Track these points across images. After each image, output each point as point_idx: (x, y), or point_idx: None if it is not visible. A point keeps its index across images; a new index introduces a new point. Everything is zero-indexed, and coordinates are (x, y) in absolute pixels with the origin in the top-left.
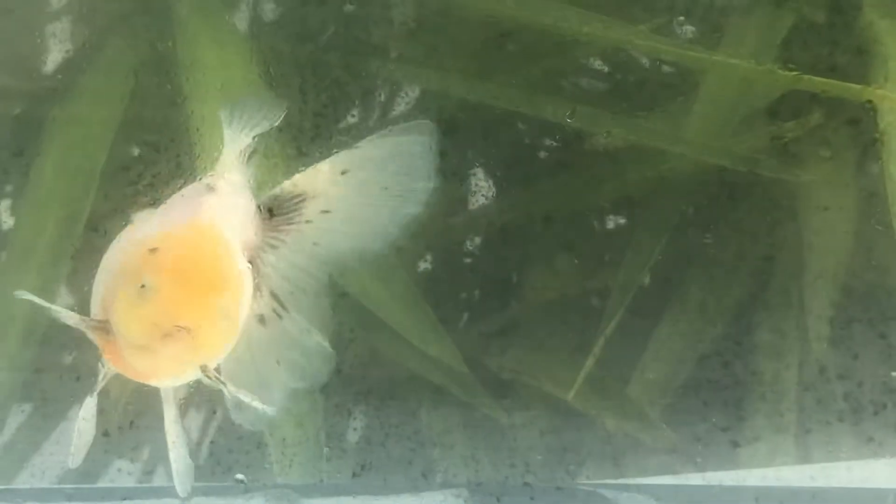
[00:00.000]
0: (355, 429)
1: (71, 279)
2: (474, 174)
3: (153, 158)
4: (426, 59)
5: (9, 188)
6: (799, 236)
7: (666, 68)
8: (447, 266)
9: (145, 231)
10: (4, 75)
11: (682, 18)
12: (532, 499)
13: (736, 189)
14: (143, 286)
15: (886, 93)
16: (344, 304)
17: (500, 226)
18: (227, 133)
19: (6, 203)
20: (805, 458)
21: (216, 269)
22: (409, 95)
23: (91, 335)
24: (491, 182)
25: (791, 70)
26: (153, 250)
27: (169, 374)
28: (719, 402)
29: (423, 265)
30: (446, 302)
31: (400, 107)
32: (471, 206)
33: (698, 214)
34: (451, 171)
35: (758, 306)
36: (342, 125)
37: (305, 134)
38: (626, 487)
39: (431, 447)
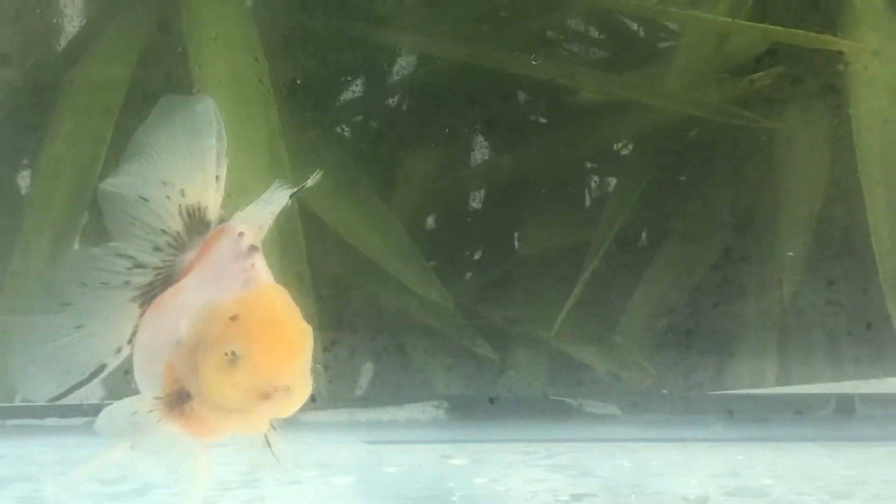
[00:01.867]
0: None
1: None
2: (466, 135)
3: None
4: (422, 26)
5: (25, 161)
6: (775, 183)
7: (647, 27)
8: (444, 222)
9: (203, 300)
10: (20, 48)
11: None
12: (494, 404)
13: (715, 141)
14: (232, 353)
15: (854, 43)
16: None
17: (493, 183)
18: (268, 193)
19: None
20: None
21: (296, 326)
22: (407, 60)
23: (165, 411)
24: (483, 141)
25: (764, 24)
26: (234, 318)
27: (258, 430)
28: (702, 343)
29: (420, 222)
30: (441, 256)
31: (401, 73)
32: (464, 165)
33: (679, 167)
34: (445, 132)
35: (737, 251)
36: (346, 95)
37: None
38: (591, 395)
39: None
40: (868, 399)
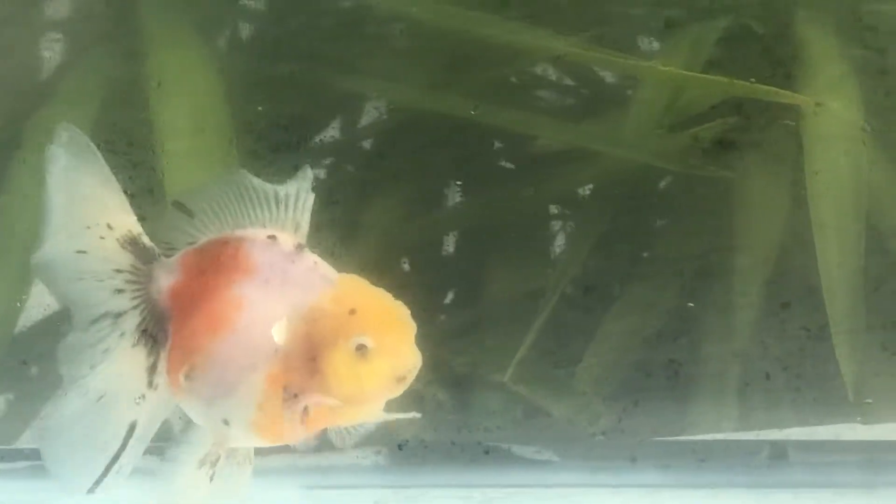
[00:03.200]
0: None
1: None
2: (428, 181)
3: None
4: (388, 74)
5: None
6: (731, 234)
7: (606, 76)
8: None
9: (286, 305)
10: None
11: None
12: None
13: (672, 190)
14: (362, 346)
15: (797, 95)
16: None
17: (455, 229)
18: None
19: None
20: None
21: (401, 307)
22: (375, 108)
23: (294, 416)
24: (444, 188)
25: (721, 76)
26: (353, 312)
27: (377, 417)
28: (659, 389)
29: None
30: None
31: (366, 118)
32: (426, 212)
33: (637, 215)
34: (407, 179)
35: (695, 302)
36: (312, 142)
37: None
38: (532, 441)
39: None
40: (801, 446)
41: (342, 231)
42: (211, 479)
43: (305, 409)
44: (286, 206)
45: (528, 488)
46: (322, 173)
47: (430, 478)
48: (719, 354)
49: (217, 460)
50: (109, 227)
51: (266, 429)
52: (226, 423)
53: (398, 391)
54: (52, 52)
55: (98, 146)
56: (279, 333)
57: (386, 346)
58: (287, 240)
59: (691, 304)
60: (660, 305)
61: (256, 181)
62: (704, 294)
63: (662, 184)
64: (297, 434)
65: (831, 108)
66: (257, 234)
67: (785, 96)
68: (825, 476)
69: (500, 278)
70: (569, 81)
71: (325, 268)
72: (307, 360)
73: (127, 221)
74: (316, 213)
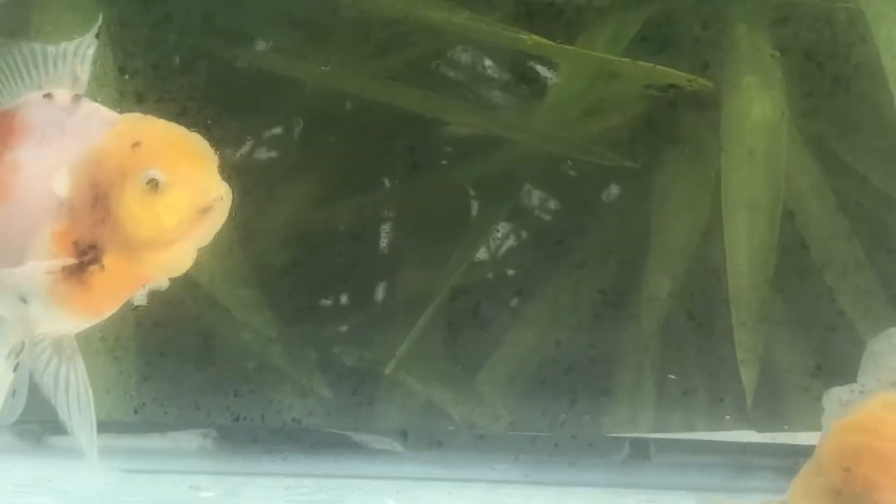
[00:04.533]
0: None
1: None
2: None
3: None
4: (296, 52)
5: None
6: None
7: (527, 61)
8: (306, 261)
9: (66, 157)
10: None
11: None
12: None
13: (586, 180)
14: (152, 179)
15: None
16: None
17: (355, 220)
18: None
19: None
20: None
21: (193, 136)
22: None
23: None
24: (349, 173)
25: (639, 63)
26: (136, 144)
27: (187, 264)
28: (566, 390)
29: (278, 259)
30: (301, 296)
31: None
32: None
33: (548, 206)
34: (312, 162)
35: (607, 299)
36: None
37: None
38: (376, 430)
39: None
40: (664, 445)
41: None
42: (14, 369)
43: (103, 266)
44: (63, 61)
45: (365, 479)
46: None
47: (256, 465)
48: (623, 356)
49: (21, 350)
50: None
51: (68, 298)
52: (23, 300)
53: (205, 226)
54: None
55: None
56: (60, 184)
57: (181, 177)
58: (64, 95)
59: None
60: (567, 309)
61: (36, 46)
62: (613, 296)
63: (574, 173)
64: (107, 300)
65: (751, 94)
66: (32, 97)
67: (702, 83)
68: (688, 478)
69: (403, 274)
70: (477, 65)
71: (105, 112)
72: (95, 207)
73: None
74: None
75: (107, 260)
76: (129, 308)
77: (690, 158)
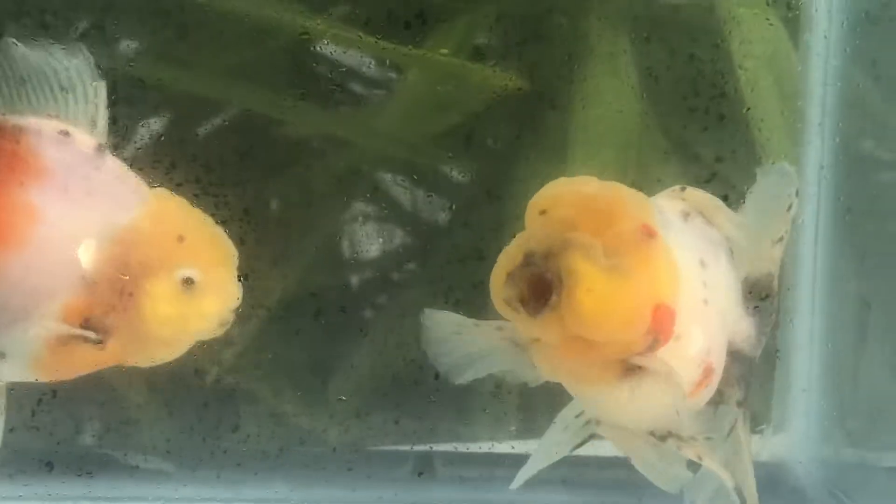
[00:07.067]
0: None
1: None
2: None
3: None
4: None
5: None
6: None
7: (372, 63)
8: None
9: (94, 223)
10: None
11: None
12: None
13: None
14: (188, 279)
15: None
16: None
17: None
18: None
19: None
20: None
21: (225, 238)
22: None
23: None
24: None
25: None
26: (181, 239)
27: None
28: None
29: None
30: None
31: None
32: None
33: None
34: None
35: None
36: None
37: None
38: (146, 451)
39: None
40: (449, 459)
41: None
42: None
43: (103, 348)
44: (73, 92)
45: (132, 501)
46: None
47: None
48: None
49: None
50: None
51: (47, 367)
52: (2, 354)
53: (216, 335)
54: None
55: None
56: (86, 257)
57: (214, 280)
58: (84, 139)
59: None
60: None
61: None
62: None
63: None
64: (82, 371)
65: (603, 96)
66: (43, 125)
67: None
68: (474, 492)
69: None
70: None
71: (134, 180)
72: (119, 293)
73: None
74: None
75: (110, 344)
76: None
77: (535, 163)
